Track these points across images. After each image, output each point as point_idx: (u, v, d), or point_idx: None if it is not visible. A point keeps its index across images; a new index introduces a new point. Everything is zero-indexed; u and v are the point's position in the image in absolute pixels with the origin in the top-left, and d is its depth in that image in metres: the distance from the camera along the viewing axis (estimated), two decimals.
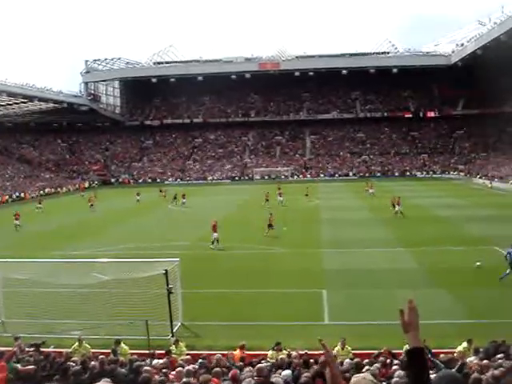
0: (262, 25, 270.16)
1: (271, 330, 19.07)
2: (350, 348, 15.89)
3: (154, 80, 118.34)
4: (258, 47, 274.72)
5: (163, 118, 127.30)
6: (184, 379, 10.36)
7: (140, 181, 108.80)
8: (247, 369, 11.91)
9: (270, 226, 40.00)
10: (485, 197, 64.45)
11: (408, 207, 48.75)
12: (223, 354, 14.36)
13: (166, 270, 19.18)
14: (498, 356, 12.64)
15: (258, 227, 42.29)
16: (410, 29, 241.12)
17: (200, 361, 13.37)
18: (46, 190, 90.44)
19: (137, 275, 20.17)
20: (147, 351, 16.07)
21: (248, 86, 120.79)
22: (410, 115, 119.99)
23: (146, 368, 11.20)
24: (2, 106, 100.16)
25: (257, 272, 28.63)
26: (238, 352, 15.45)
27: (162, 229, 46.02)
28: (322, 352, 15.15)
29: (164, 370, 12.14)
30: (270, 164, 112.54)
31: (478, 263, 27.47)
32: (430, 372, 3.80)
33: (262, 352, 15.98)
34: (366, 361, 13.08)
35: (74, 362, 12.87)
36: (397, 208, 47.96)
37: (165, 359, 14.09)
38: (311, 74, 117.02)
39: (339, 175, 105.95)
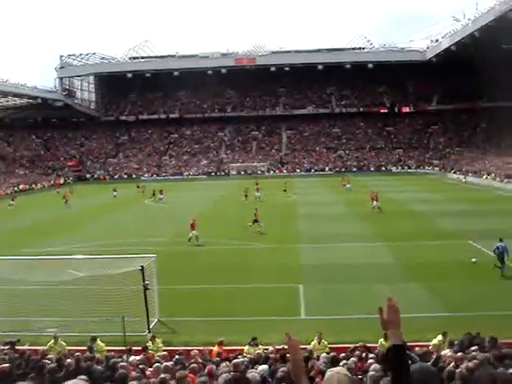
0: (239, 20, 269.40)
1: (248, 325, 19.07)
2: (326, 342, 15.96)
3: (129, 75, 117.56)
4: (234, 42, 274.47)
5: (139, 113, 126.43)
6: (162, 375, 10.34)
7: (116, 177, 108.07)
8: (224, 364, 11.92)
9: (255, 221, 39.98)
10: (459, 191, 65.08)
11: (384, 202, 49.02)
12: (200, 350, 14.37)
13: (142, 266, 19.10)
14: (473, 348, 12.78)
15: (235, 223, 42.27)
16: (385, 25, 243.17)
17: (176, 357, 13.35)
18: (21, 187, 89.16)
19: (112, 271, 20.07)
20: (124, 348, 16.02)
21: (224, 81, 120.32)
22: (386, 110, 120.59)
23: (122, 364, 11.16)
24: None
25: (234, 267, 28.62)
26: (216, 348, 15.46)
27: (139, 225, 45.76)
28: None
29: (141, 366, 12.09)
30: (247, 159, 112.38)
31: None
32: None
33: (240, 347, 16.01)
34: (343, 355, 13.15)
35: (49, 359, 12.79)
36: (375, 203, 48.27)
37: (141, 355, 14.04)
38: (287, 69, 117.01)
39: (315, 170, 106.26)
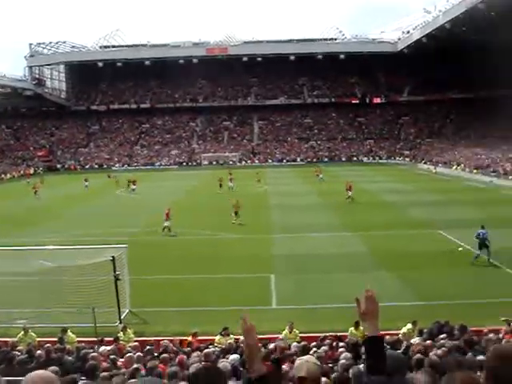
0: (210, 9, 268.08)
1: (220, 315, 19.09)
2: (297, 331, 16.09)
3: (100, 64, 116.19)
4: (206, 32, 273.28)
5: (110, 102, 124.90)
6: (134, 365, 10.34)
7: (87, 167, 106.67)
8: (195, 354, 11.95)
9: (236, 213, 39.73)
10: (429, 182, 65.78)
11: (356, 192, 49.29)
12: (171, 340, 14.37)
13: (113, 257, 19.00)
14: (441, 336, 12.99)
15: (208, 213, 42.22)
16: (358, 16, 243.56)
17: (148, 347, 13.34)
18: None
19: (83, 262, 19.91)
20: (95, 339, 15.95)
21: (196, 70, 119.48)
22: (357, 101, 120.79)
23: (92, 355, 11.12)
24: None
25: (206, 258, 28.60)
26: (190, 339, 15.49)
27: (111, 215, 45.50)
28: (270, 336, 15.34)
29: (112, 357, 12.06)
30: (218, 149, 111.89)
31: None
32: None
33: (211, 337, 16.05)
34: (313, 344, 13.27)
35: (19, 351, 12.70)
36: (349, 193, 48.54)
37: (113, 346, 14.01)
38: (259, 59, 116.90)
39: (287, 161, 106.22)
